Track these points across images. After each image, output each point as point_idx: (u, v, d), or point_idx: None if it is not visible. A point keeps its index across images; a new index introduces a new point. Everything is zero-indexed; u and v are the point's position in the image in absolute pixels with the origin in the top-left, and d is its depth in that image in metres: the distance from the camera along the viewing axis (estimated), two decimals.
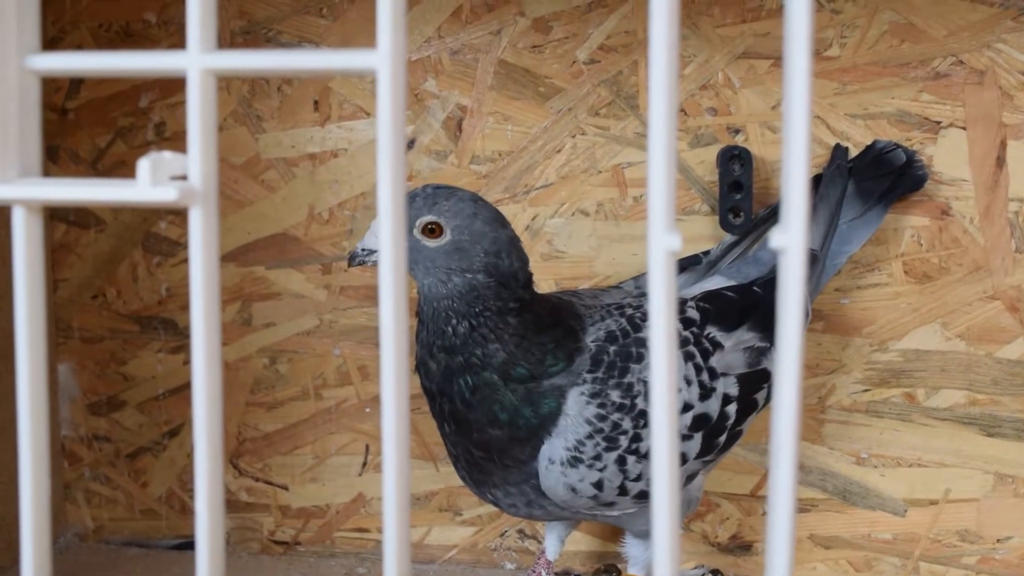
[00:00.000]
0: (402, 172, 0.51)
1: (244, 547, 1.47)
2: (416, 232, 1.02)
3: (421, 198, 1.02)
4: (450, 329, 1.03)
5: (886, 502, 1.34)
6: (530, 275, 1.07)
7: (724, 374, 1.11)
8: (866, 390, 1.33)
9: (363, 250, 1.04)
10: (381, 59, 0.51)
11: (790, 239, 0.51)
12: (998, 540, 1.32)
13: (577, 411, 1.04)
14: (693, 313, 1.12)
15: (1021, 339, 1.30)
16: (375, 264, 1.04)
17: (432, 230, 1.01)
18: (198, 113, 0.52)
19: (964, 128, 1.29)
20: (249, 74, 0.56)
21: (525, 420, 1.04)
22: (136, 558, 1.46)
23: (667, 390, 0.50)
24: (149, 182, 0.52)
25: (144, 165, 0.51)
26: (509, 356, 1.03)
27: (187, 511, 1.47)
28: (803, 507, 1.36)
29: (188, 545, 1.47)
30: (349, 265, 1.07)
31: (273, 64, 0.54)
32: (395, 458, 0.49)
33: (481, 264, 1.02)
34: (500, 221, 1.05)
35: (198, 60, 0.51)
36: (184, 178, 0.53)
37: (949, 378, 1.32)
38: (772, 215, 1.29)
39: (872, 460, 1.34)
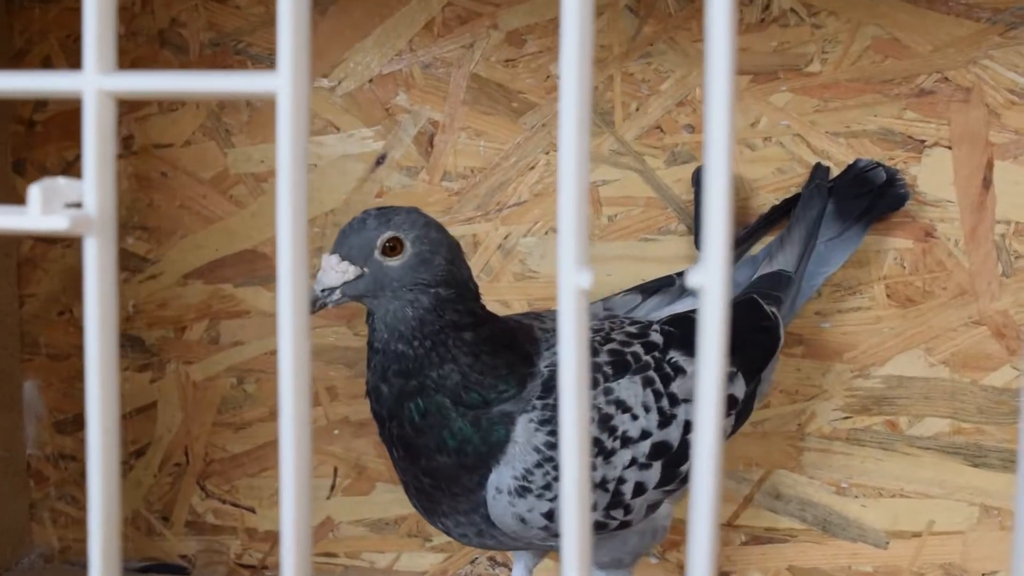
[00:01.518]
0: (303, 203, 0.48)
1: (210, 570, 1.43)
2: (377, 254, 0.98)
3: (372, 219, 0.99)
4: (411, 351, 0.99)
5: (867, 534, 1.30)
6: (476, 286, 1.04)
7: (686, 400, 1.06)
8: (847, 417, 1.29)
9: (323, 291, 1.00)
10: (282, 82, 0.47)
11: (709, 278, 0.47)
12: (983, 575, 1.28)
13: (525, 439, 1.00)
14: (656, 337, 1.08)
15: (1007, 366, 1.25)
16: (337, 304, 1.00)
17: (393, 247, 0.98)
18: (94, 137, 0.49)
19: (949, 147, 1.25)
20: (147, 96, 0.53)
21: (473, 447, 1.00)
22: None
23: (577, 434, 0.47)
24: (40, 210, 0.49)
25: (34, 192, 0.48)
26: (463, 378, 0.99)
27: (153, 532, 1.44)
28: (782, 538, 1.31)
29: (155, 568, 1.44)
30: (312, 312, 1.01)
31: (172, 86, 0.50)
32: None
33: (443, 273, 0.99)
34: (444, 229, 1.03)
35: (94, 81, 0.48)
36: (80, 205, 0.50)
37: (933, 406, 1.27)
38: (750, 235, 1.25)
39: (853, 490, 1.30)
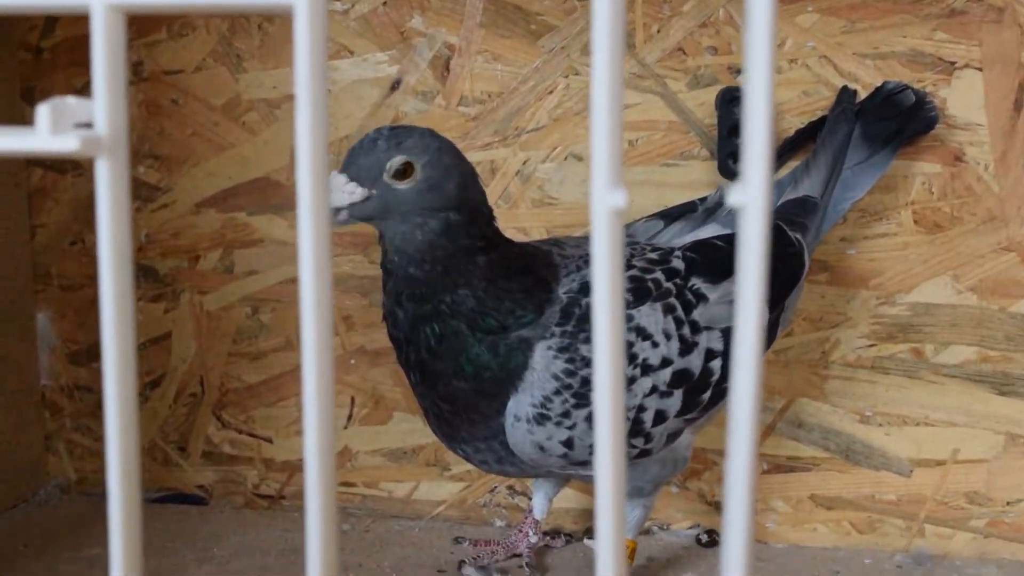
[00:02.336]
0: (323, 125, 0.45)
1: (227, 500, 1.43)
2: (387, 177, 0.96)
3: (383, 140, 0.96)
4: (422, 275, 0.97)
5: (891, 462, 1.28)
6: (491, 210, 1.02)
7: (708, 328, 1.04)
8: (872, 345, 1.27)
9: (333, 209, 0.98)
10: None
11: (750, 196, 0.45)
12: (1008, 503, 1.26)
13: (544, 366, 0.99)
14: (678, 264, 1.06)
15: None
16: (342, 224, 0.98)
17: (403, 171, 0.96)
18: (104, 54, 0.46)
19: (980, 69, 1.21)
20: (159, 11, 0.51)
21: (491, 373, 0.98)
22: None
23: (611, 362, 0.45)
24: (49, 130, 0.47)
25: (44, 111, 0.46)
26: (478, 303, 0.98)
27: (170, 463, 1.43)
28: (804, 466, 1.30)
29: (171, 498, 1.44)
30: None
31: (185, 1, 0.48)
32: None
33: (455, 199, 0.97)
34: (460, 153, 1.01)
35: None
36: (90, 126, 0.48)
37: (960, 333, 1.25)
38: (774, 160, 1.22)
39: (877, 418, 1.28)
